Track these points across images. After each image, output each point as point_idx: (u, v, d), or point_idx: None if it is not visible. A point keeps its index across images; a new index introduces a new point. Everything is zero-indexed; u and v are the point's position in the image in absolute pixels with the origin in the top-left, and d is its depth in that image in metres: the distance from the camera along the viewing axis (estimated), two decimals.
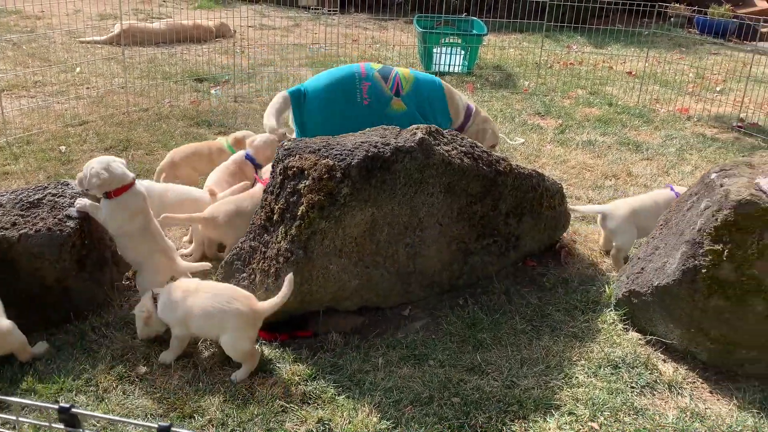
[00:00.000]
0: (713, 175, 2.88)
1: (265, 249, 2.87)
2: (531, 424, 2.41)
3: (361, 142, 2.93)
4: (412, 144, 2.96)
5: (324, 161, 2.81)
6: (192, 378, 2.58)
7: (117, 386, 2.54)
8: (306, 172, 2.80)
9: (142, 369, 2.63)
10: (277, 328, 2.97)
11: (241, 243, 2.99)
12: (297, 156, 2.86)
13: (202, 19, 7.72)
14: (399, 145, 2.94)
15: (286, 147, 2.95)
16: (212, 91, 6.05)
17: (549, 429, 2.39)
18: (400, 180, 2.93)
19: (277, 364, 2.68)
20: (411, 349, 2.81)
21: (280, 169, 2.89)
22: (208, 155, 4.03)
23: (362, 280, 2.97)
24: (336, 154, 2.84)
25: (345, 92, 3.86)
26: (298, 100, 3.94)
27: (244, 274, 2.92)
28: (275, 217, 2.87)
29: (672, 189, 3.61)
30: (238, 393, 2.51)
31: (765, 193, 2.62)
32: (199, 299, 2.60)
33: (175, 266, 3.05)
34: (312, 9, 9.48)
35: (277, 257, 2.79)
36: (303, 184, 2.79)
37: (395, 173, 2.90)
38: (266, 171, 3.48)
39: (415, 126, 3.15)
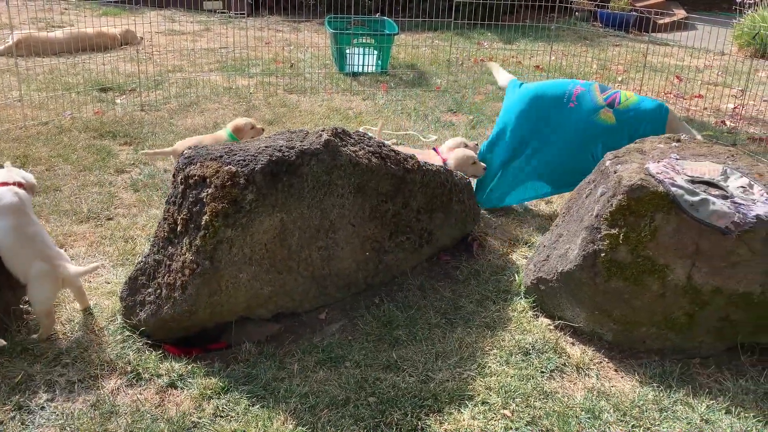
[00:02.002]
0: (607, 162, 3.01)
1: (170, 262, 2.78)
2: (446, 417, 2.45)
3: (265, 147, 2.89)
4: (318, 146, 2.95)
5: (226, 168, 2.75)
6: (96, 401, 2.47)
7: (16, 417, 2.40)
8: (208, 180, 2.74)
9: (43, 396, 2.49)
10: (190, 342, 2.89)
11: (145, 257, 2.89)
12: (198, 164, 2.79)
13: (106, 26, 7.42)
14: (304, 148, 2.91)
15: (186, 156, 2.87)
16: (117, 101, 5.82)
17: (463, 420, 2.43)
18: (308, 183, 2.91)
19: (188, 380, 2.60)
20: (327, 352, 2.80)
21: (181, 179, 2.81)
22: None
23: (275, 287, 2.93)
24: (239, 160, 2.79)
25: (556, 92, 3.92)
26: (515, 88, 4.11)
27: (150, 290, 2.82)
28: (179, 228, 2.78)
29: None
30: (147, 412, 2.42)
31: (654, 177, 2.76)
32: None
33: (63, 272, 2.87)
34: (218, 12, 9.29)
35: (182, 270, 2.71)
36: (205, 193, 2.72)
37: (302, 176, 2.88)
38: None
39: (321, 128, 3.13)
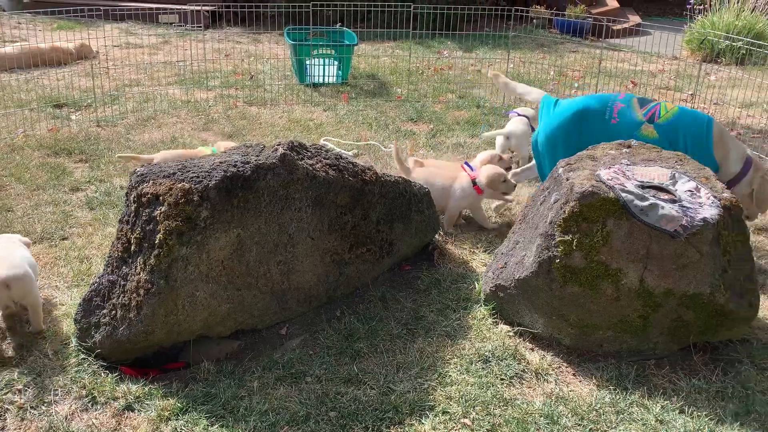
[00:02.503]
0: (560, 170, 3.06)
1: (125, 282, 2.73)
2: (407, 428, 2.45)
3: (220, 163, 2.87)
4: (274, 160, 2.94)
5: (180, 185, 2.72)
6: (49, 427, 2.41)
7: None
8: (161, 197, 2.70)
9: None
10: (147, 363, 2.85)
11: (99, 278, 2.84)
12: (150, 182, 2.76)
13: (60, 41, 7.28)
14: (260, 162, 2.90)
15: (139, 173, 2.83)
16: (72, 117, 5.71)
17: (424, 431, 2.44)
18: (265, 198, 2.89)
19: (146, 402, 2.56)
20: (288, 368, 2.78)
21: (134, 197, 2.77)
22: None
23: (234, 304, 2.90)
24: (192, 177, 2.76)
25: (596, 108, 3.84)
26: (550, 105, 4.00)
27: (105, 311, 2.77)
28: (133, 247, 2.74)
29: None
30: None
31: (605, 183, 2.81)
32: None
33: None
34: (174, 25, 9.19)
35: (137, 290, 2.67)
36: (159, 211, 2.68)
37: (258, 191, 2.86)
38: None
39: (277, 141, 3.13)
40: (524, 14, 9.82)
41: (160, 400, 2.57)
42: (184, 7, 9.07)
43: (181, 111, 5.97)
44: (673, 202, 2.76)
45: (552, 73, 7.62)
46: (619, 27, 9.93)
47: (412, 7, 6.95)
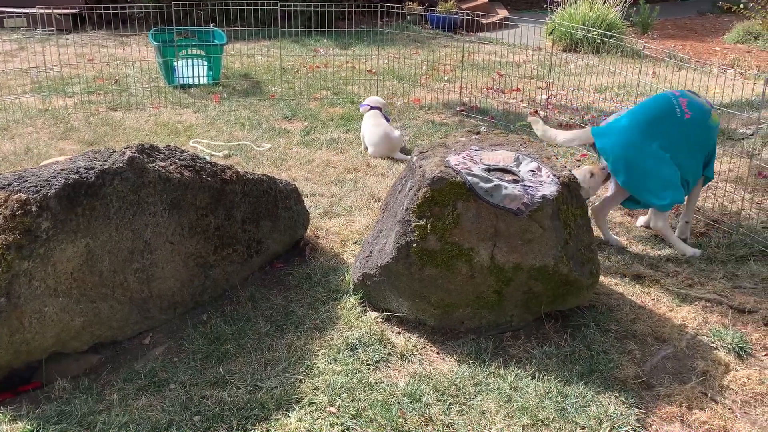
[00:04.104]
0: (414, 158, 3.17)
1: None
2: (273, 424, 2.45)
3: (61, 170, 2.73)
4: (121, 164, 2.84)
5: (15, 196, 2.56)
6: None
7: None
8: None
9: None
10: None
11: None
12: None
13: None
14: (105, 167, 2.79)
15: None
16: None
17: (290, 424, 2.45)
18: (113, 204, 2.79)
19: None
20: (150, 377, 2.70)
21: None
22: None
23: (89, 317, 2.78)
24: (30, 187, 2.61)
25: (663, 112, 3.61)
26: (604, 132, 3.69)
27: None
28: None
29: None
30: None
31: (453, 168, 2.94)
32: None
33: None
34: (23, 30, 8.61)
35: None
36: None
37: (105, 198, 2.75)
38: None
39: (125, 145, 3.02)
40: (398, 11, 10.04)
41: (8, 424, 2.41)
42: (31, 10, 8.46)
43: (37, 120, 5.61)
44: (516, 182, 2.94)
45: (424, 67, 7.84)
46: (488, 21, 10.38)
47: (278, 5, 6.90)
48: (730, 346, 2.91)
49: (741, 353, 2.89)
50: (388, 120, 5.25)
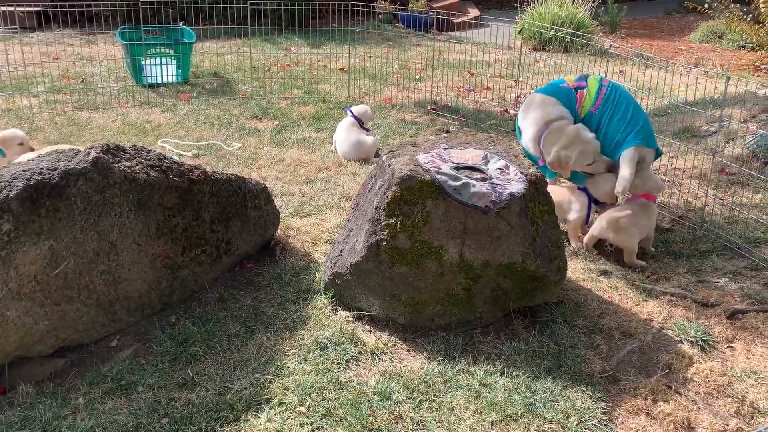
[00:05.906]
0: (384, 157, 3.18)
1: None
2: (242, 425, 2.44)
3: (23, 171, 2.68)
4: (85, 165, 2.79)
5: None
6: None
7: None
8: None
9: None
10: None
11: None
12: None
13: None
14: (69, 168, 2.74)
15: None
16: None
17: (260, 425, 2.44)
18: (78, 205, 2.74)
19: None
20: (117, 380, 2.66)
21: None
22: None
23: (54, 320, 2.73)
24: None
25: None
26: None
27: None
28: None
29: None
30: None
31: (422, 167, 2.95)
32: None
33: None
34: None
35: None
36: None
37: (69, 199, 2.70)
38: None
39: (90, 145, 2.97)
40: (370, 10, 10.03)
41: None
42: None
43: (0, 120, 5.48)
44: (484, 180, 2.96)
45: (396, 66, 7.85)
46: (459, 20, 10.43)
47: (249, 3, 6.85)
48: (693, 340, 2.98)
49: (704, 346, 2.95)
50: (367, 131, 5.18)
